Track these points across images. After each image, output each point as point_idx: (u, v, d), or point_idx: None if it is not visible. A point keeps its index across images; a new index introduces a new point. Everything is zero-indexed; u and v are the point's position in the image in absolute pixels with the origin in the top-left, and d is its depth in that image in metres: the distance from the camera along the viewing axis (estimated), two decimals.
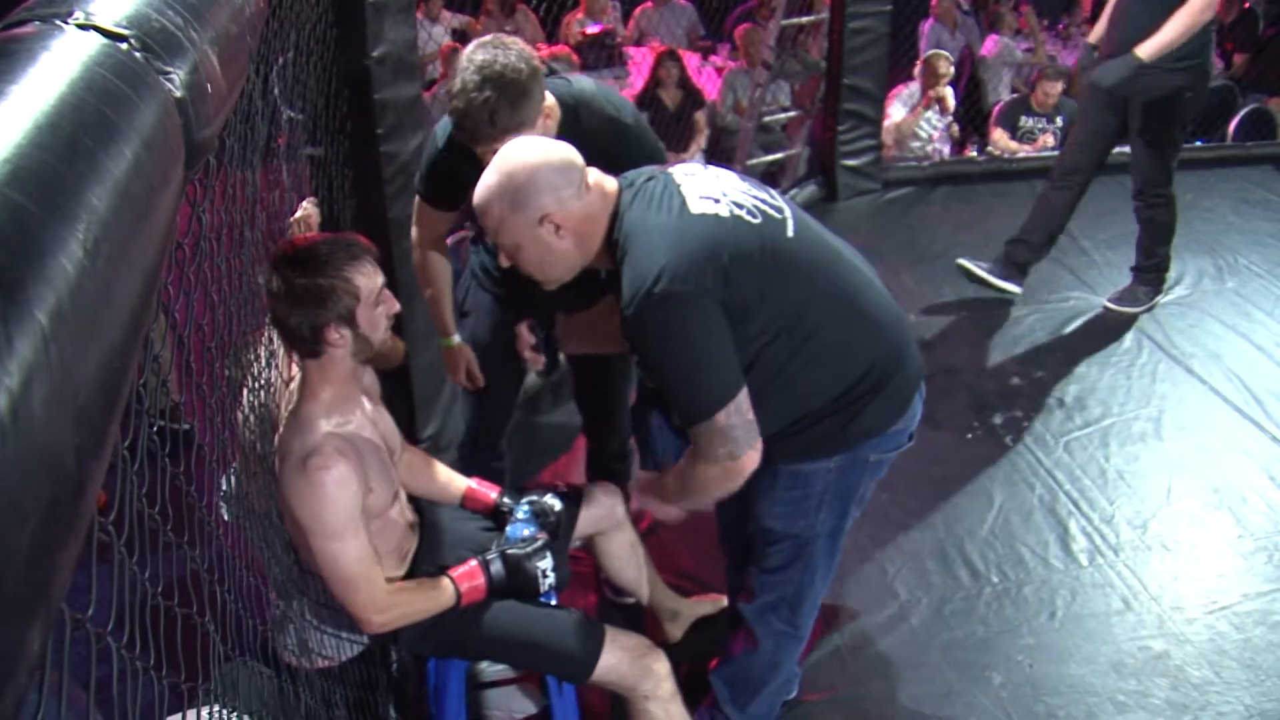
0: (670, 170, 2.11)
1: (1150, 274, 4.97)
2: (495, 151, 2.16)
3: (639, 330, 1.95)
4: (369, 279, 2.09)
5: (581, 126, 2.51)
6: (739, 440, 2.00)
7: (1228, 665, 3.01)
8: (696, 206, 1.98)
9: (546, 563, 2.34)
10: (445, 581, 2.27)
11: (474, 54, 2.34)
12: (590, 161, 2.12)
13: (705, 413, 1.97)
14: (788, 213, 2.10)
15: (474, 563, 2.32)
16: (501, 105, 2.30)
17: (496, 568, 2.31)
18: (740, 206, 2.02)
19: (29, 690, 0.59)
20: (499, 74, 2.30)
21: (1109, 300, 5.00)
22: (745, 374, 2.04)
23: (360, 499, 2.09)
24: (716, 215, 1.98)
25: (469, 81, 2.31)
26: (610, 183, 2.08)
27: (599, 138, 2.53)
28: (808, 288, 2.05)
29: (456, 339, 2.91)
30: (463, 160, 2.42)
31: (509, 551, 2.33)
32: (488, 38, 2.41)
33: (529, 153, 2.02)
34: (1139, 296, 4.95)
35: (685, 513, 2.39)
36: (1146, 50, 4.24)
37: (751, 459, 2.04)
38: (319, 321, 2.04)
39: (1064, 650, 3.08)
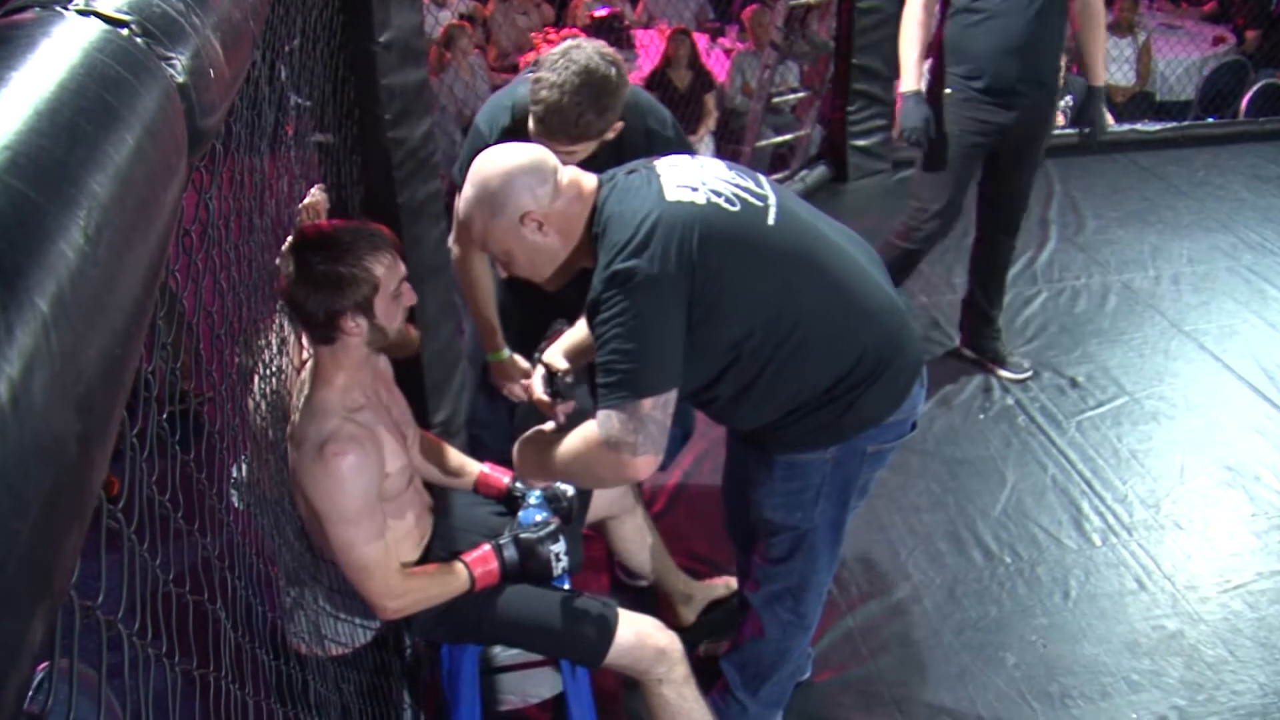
0: (653, 163, 2.11)
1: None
2: (563, 151, 2.26)
3: (598, 305, 1.95)
4: (389, 270, 2.09)
5: (621, 133, 2.52)
6: (648, 437, 1.96)
7: (1242, 644, 3.01)
8: (673, 194, 1.98)
9: (559, 546, 2.34)
10: (459, 566, 2.27)
11: (573, 53, 2.38)
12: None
13: (634, 394, 1.94)
14: (771, 200, 2.08)
15: (487, 547, 2.32)
16: (590, 111, 2.34)
17: (509, 552, 2.31)
18: (719, 195, 2.01)
19: (32, 679, 0.59)
20: (599, 82, 2.34)
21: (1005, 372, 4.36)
22: (732, 365, 2.05)
23: (376, 485, 2.09)
24: (692, 202, 1.97)
25: (567, 81, 2.34)
26: (588, 179, 2.09)
27: (634, 146, 2.54)
28: (787, 276, 2.03)
29: (506, 352, 2.90)
30: None
31: (522, 536, 2.33)
32: (585, 40, 2.45)
33: (499, 159, 2.05)
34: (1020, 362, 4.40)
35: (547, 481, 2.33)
36: (1103, 78, 3.93)
37: (648, 464, 2.00)
38: (336, 308, 2.04)
39: (1078, 630, 3.08)
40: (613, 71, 2.36)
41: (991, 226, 4.14)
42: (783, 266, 2.03)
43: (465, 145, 2.69)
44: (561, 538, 2.36)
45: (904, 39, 3.82)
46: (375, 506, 2.10)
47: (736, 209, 2.01)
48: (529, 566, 2.33)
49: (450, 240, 2.82)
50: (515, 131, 2.44)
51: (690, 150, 2.68)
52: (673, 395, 1.97)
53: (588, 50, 2.38)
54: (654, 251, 1.90)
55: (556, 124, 2.32)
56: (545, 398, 2.40)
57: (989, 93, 3.76)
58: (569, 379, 2.44)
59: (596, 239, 2.01)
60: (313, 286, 2.03)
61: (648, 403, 1.94)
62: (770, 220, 2.04)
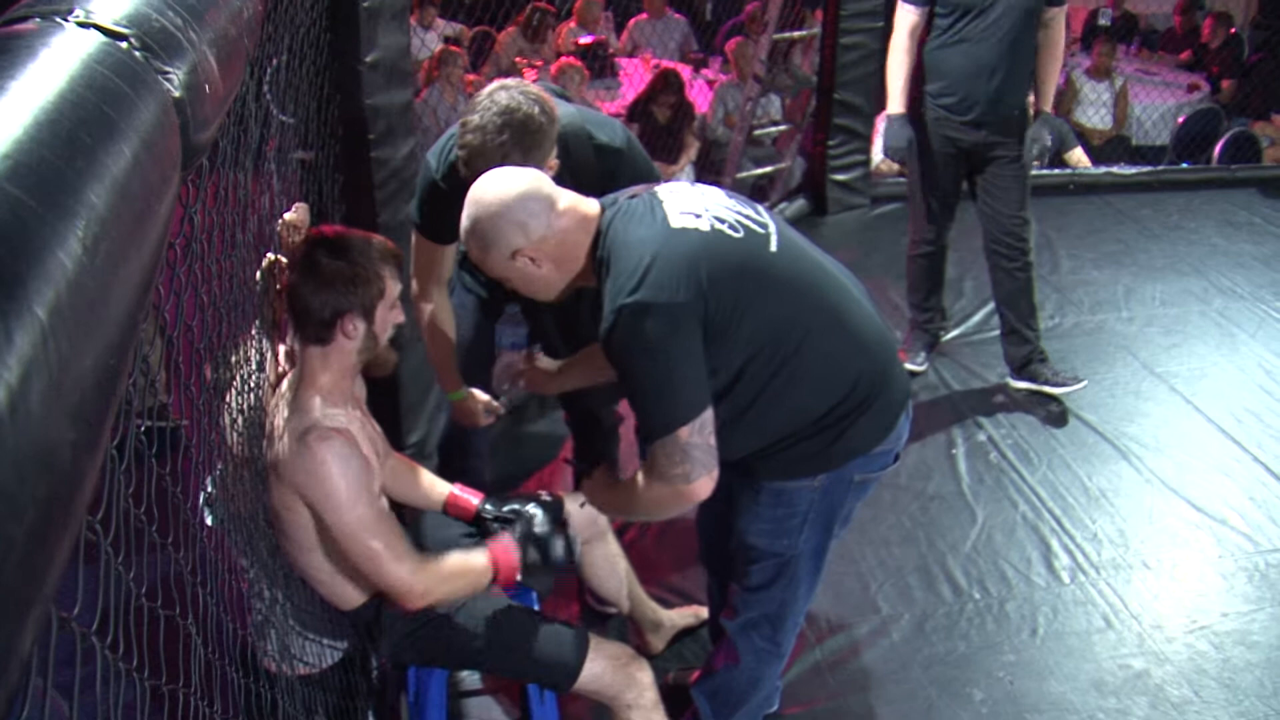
0: (654, 188, 2.12)
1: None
2: None
3: (615, 340, 1.96)
4: (394, 281, 2.15)
5: (571, 160, 2.52)
6: (696, 462, 1.99)
7: (1207, 684, 3.03)
8: (677, 221, 1.99)
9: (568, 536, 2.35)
10: (481, 557, 2.25)
11: (497, 95, 2.35)
12: (583, 191, 2.14)
13: (669, 426, 1.97)
14: (772, 228, 2.11)
15: (507, 539, 2.31)
16: (515, 152, 2.31)
17: (532, 555, 2.31)
18: (722, 221, 2.03)
19: (20, 687, 0.59)
20: (521, 122, 2.31)
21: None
22: (729, 391, 2.05)
23: (364, 473, 2.09)
24: (697, 229, 1.99)
25: (489, 122, 2.31)
26: (589, 204, 2.09)
27: (589, 168, 2.54)
28: (790, 303, 2.06)
29: (464, 390, 2.90)
30: (460, 190, 2.42)
31: (536, 531, 2.33)
32: (511, 81, 2.42)
33: (491, 191, 2.04)
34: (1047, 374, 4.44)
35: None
36: (1049, 104, 4.22)
37: (704, 485, 2.03)
38: (342, 307, 2.07)
39: (1045, 667, 3.09)
40: (536, 110, 2.33)
41: (991, 254, 4.30)
42: (785, 293, 2.05)
43: (418, 182, 2.68)
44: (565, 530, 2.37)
45: (891, 64, 4.10)
46: (370, 492, 2.10)
47: (740, 235, 2.03)
48: (549, 561, 2.33)
49: (411, 270, 2.79)
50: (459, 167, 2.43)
51: (647, 160, 2.70)
52: (707, 416, 1.99)
53: (512, 91, 2.36)
54: (664, 281, 1.91)
55: (481, 167, 2.30)
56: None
57: (956, 111, 4.02)
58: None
59: (601, 264, 2.02)
60: (322, 283, 2.06)
61: (684, 432, 1.97)
62: (772, 247, 2.06)
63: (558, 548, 2.32)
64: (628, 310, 1.92)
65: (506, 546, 2.29)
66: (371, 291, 2.09)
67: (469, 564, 2.23)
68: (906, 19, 4.02)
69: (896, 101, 4.08)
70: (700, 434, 1.98)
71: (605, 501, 2.37)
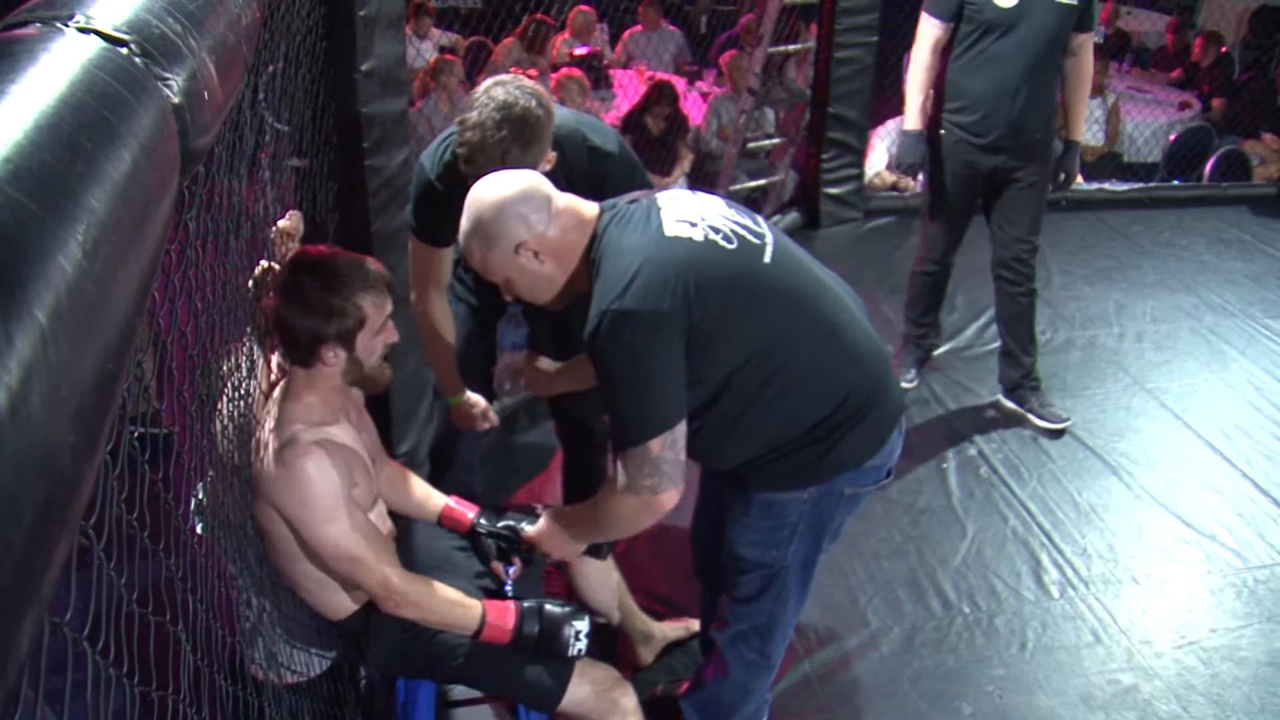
0: (655, 195, 2.13)
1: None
2: None
3: (596, 344, 1.97)
4: (377, 308, 2.12)
5: (565, 161, 2.53)
6: (665, 475, 2.00)
7: (1195, 700, 3.03)
8: (671, 229, 2.00)
9: (583, 625, 2.29)
10: (475, 603, 2.23)
11: (493, 90, 2.36)
12: (576, 192, 2.15)
13: (641, 437, 1.98)
14: (768, 239, 2.11)
15: (511, 604, 2.27)
16: (514, 147, 2.32)
17: (530, 626, 2.25)
18: (717, 231, 2.04)
19: (16, 690, 0.59)
20: (519, 116, 2.32)
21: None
22: (718, 399, 2.06)
23: (346, 487, 2.08)
24: (690, 238, 2.00)
25: (488, 118, 2.32)
26: (588, 207, 2.10)
27: (582, 170, 2.55)
28: (783, 314, 2.06)
29: (464, 394, 2.90)
30: (456, 190, 2.42)
31: (547, 608, 2.28)
32: (506, 76, 2.43)
33: (492, 189, 2.06)
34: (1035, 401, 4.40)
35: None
36: (1081, 133, 4.26)
37: (671, 498, 2.04)
38: (320, 335, 2.06)
39: (1034, 682, 3.10)
40: (533, 104, 2.34)
41: (996, 276, 4.26)
42: (777, 304, 2.05)
43: (413, 186, 2.69)
44: (587, 616, 2.31)
45: (910, 78, 4.03)
46: (350, 502, 2.09)
47: (733, 246, 2.03)
48: (544, 645, 2.27)
49: (410, 277, 2.79)
50: (455, 166, 2.43)
51: (640, 167, 2.71)
52: (680, 429, 2.00)
53: (508, 86, 2.37)
54: (649, 289, 1.92)
55: (483, 163, 2.31)
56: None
57: (975, 132, 3.94)
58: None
59: (594, 266, 2.03)
60: (302, 309, 2.05)
61: (655, 444, 1.98)
62: (766, 259, 2.07)
63: (564, 636, 2.26)
64: (611, 315, 1.92)
65: (506, 612, 2.26)
66: (349, 323, 2.07)
67: (460, 603, 2.22)
68: (930, 33, 3.94)
69: (913, 117, 4.04)
70: (671, 448, 1.99)
71: (570, 529, 2.36)
